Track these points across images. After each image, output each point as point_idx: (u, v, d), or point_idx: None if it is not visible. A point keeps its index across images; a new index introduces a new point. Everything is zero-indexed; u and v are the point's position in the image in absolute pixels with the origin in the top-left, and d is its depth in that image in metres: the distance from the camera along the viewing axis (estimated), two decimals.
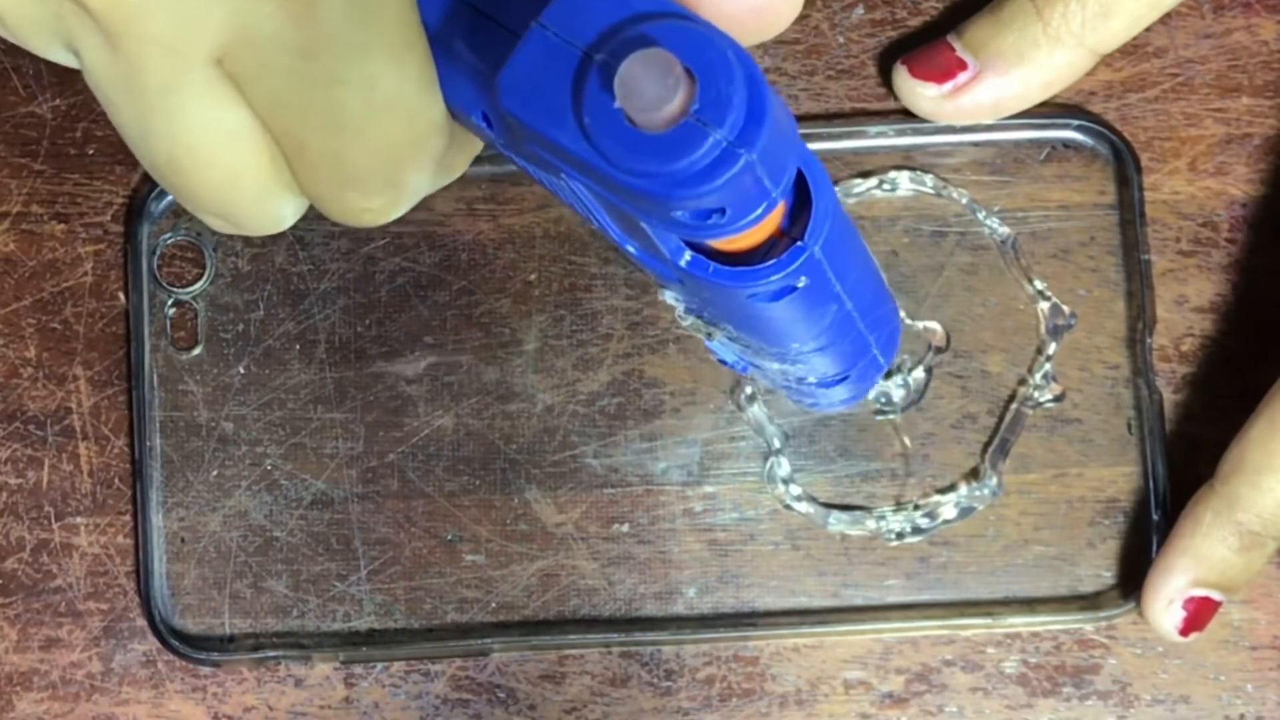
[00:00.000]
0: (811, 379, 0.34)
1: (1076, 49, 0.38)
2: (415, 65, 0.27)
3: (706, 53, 0.23)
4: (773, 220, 0.27)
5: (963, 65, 0.38)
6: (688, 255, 0.27)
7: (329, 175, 0.28)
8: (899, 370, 0.40)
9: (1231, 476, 0.37)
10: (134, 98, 0.27)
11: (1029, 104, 0.39)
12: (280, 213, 0.29)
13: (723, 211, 0.25)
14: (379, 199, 0.29)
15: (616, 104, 0.23)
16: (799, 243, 0.27)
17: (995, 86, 0.38)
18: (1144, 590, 0.38)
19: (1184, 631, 0.38)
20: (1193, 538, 0.37)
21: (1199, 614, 0.38)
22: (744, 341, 0.32)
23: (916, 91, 0.39)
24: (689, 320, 0.33)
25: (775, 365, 0.33)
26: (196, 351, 0.40)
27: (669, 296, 0.32)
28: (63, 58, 0.28)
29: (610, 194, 0.25)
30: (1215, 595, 0.38)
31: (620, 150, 0.24)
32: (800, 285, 0.28)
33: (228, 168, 0.27)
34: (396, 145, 0.27)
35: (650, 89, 0.23)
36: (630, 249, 0.30)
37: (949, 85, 0.39)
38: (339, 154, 0.27)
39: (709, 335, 0.33)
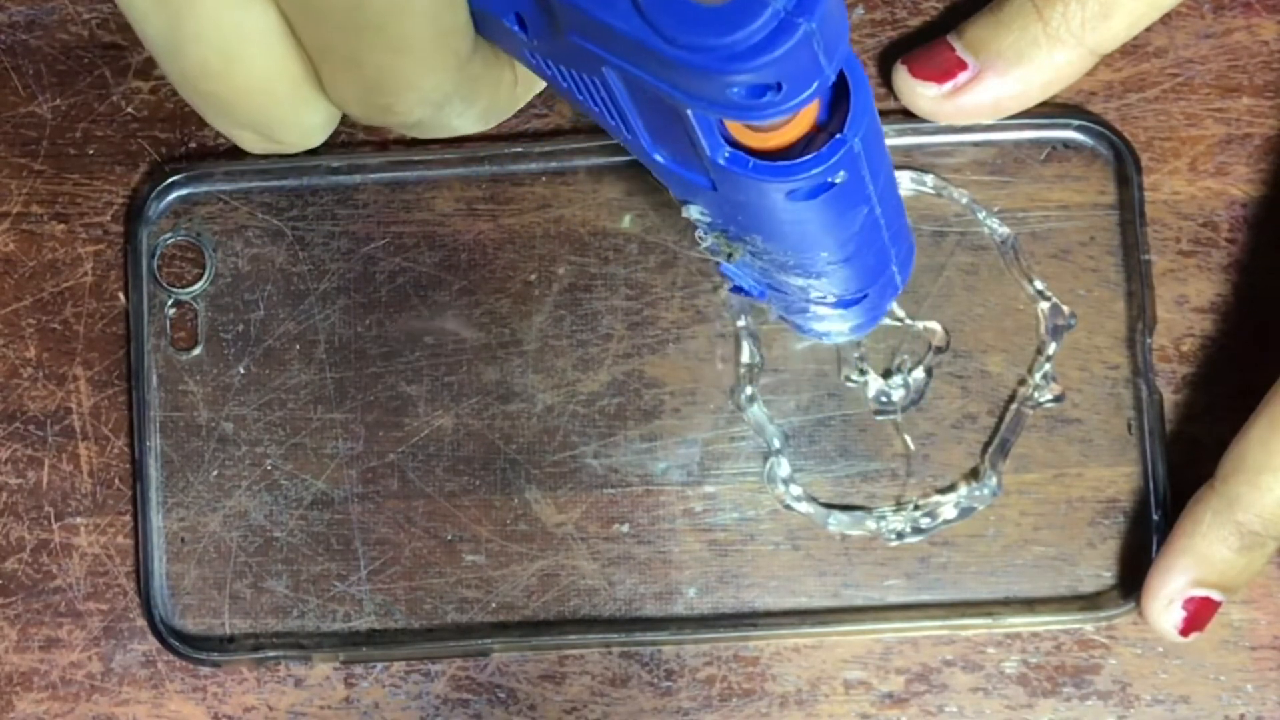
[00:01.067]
0: (830, 298, 0.34)
1: (1076, 49, 0.38)
2: None
3: None
4: (809, 113, 0.27)
5: (963, 65, 0.38)
6: (727, 151, 0.27)
7: (353, 78, 0.28)
8: (899, 370, 0.40)
9: (1231, 476, 0.37)
10: (165, 3, 0.27)
11: (1029, 104, 0.39)
12: (311, 122, 0.29)
13: (778, 87, 0.24)
14: (404, 102, 0.29)
15: None
16: (838, 135, 0.27)
17: (995, 86, 0.38)
18: (1144, 590, 0.38)
19: (1184, 631, 0.38)
20: (1193, 538, 0.37)
21: (1199, 614, 0.38)
22: (769, 256, 0.32)
23: (916, 91, 0.39)
24: (709, 240, 0.33)
25: (798, 282, 0.33)
26: (196, 351, 0.40)
27: (693, 211, 0.32)
28: None
29: (660, 79, 0.25)
30: (1215, 595, 0.38)
31: (677, 25, 0.23)
32: (838, 180, 0.28)
33: (260, 71, 0.28)
34: (420, 45, 0.27)
35: None
36: (659, 158, 0.29)
37: (949, 85, 0.39)
38: (361, 55, 0.27)
39: (729, 256, 0.33)
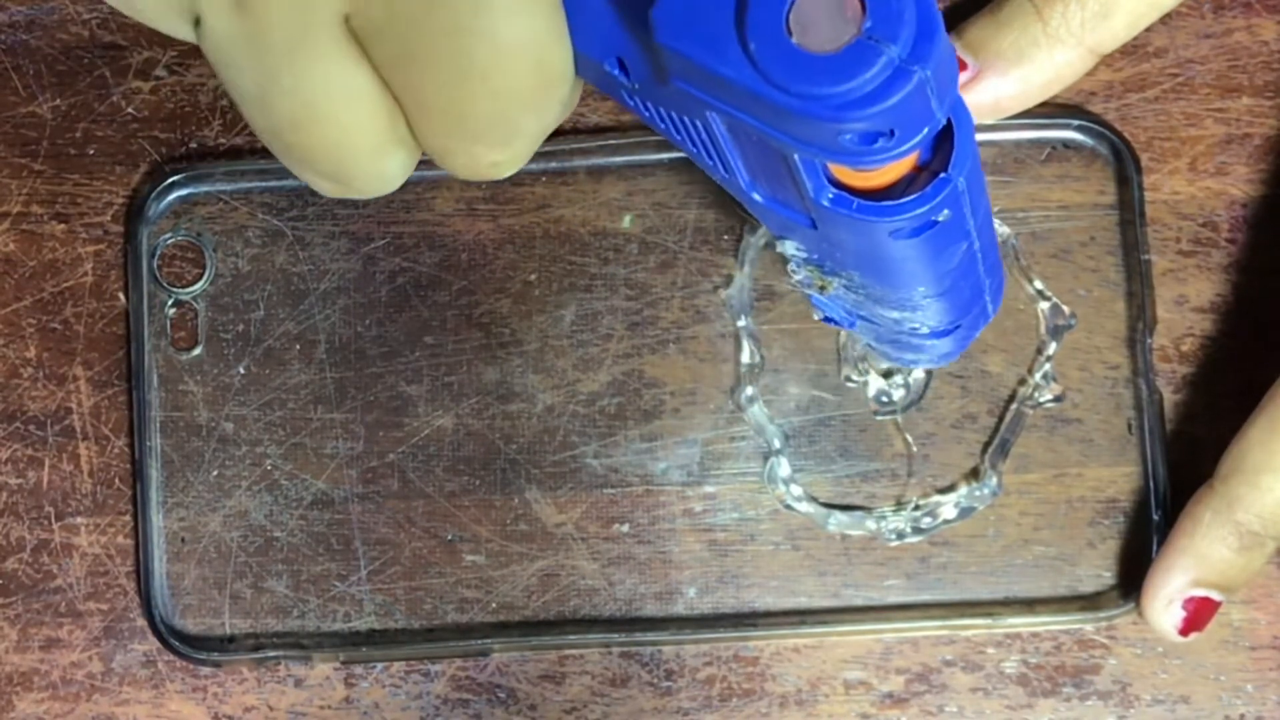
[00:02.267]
0: (924, 329, 0.34)
1: (1076, 49, 0.38)
2: (543, 11, 0.26)
3: None
4: (913, 155, 0.27)
5: (962, 65, 0.38)
6: (831, 192, 0.27)
7: (455, 128, 0.27)
8: (899, 370, 0.40)
9: (1231, 476, 0.37)
10: (259, 57, 0.26)
11: (1029, 104, 0.39)
12: (390, 171, 0.29)
13: (891, 134, 0.24)
14: (507, 150, 0.28)
15: (793, 40, 0.23)
16: (943, 174, 0.27)
17: (995, 86, 0.38)
18: (1144, 590, 0.38)
19: (1184, 631, 0.38)
20: (1192, 537, 0.37)
21: (1199, 614, 0.38)
22: (865, 290, 0.32)
23: None
24: (802, 273, 0.32)
25: (892, 314, 0.33)
26: (196, 351, 0.40)
27: (789, 247, 0.32)
28: (176, 27, 0.27)
29: (770, 125, 0.25)
30: (1215, 595, 0.38)
31: (789, 74, 0.23)
32: (941, 219, 0.27)
33: (347, 126, 0.27)
34: (524, 94, 0.27)
35: (825, 19, 0.23)
36: (757, 196, 0.29)
37: None
38: (465, 106, 0.27)
39: (821, 289, 0.33)
